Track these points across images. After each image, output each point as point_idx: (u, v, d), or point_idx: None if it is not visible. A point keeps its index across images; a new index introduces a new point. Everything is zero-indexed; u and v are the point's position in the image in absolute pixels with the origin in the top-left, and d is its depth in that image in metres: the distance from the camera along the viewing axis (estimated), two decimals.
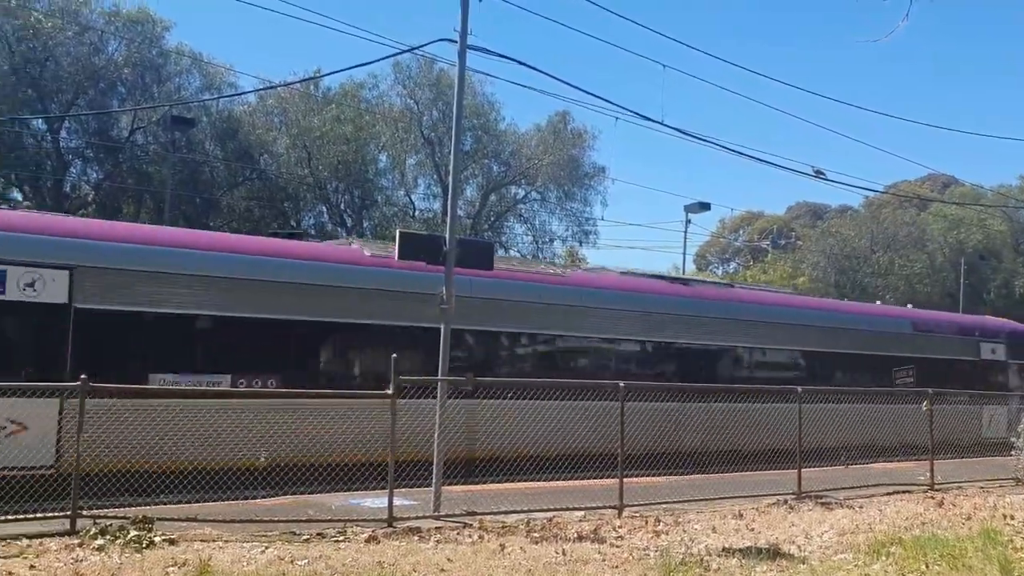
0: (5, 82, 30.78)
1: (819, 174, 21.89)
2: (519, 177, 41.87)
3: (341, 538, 9.17)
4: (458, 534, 9.64)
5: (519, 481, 12.72)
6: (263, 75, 62.79)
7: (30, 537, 8.38)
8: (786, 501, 12.79)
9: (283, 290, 13.31)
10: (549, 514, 10.76)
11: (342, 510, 10.57)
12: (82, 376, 9.23)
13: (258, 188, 37.25)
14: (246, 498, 10.84)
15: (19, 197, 33.10)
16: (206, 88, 34.84)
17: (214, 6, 65.78)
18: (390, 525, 9.86)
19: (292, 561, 7.93)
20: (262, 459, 11.84)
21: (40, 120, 32.25)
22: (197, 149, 34.48)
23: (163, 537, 8.51)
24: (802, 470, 13.47)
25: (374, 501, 10.78)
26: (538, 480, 13.01)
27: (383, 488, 10.40)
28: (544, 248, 43.32)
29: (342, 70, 50.50)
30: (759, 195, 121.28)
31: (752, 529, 10.57)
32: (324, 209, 40.23)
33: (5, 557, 7.71)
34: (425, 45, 13.63)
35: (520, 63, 12.82)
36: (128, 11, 32.77)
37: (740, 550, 8.99)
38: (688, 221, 37.17)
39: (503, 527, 10.04)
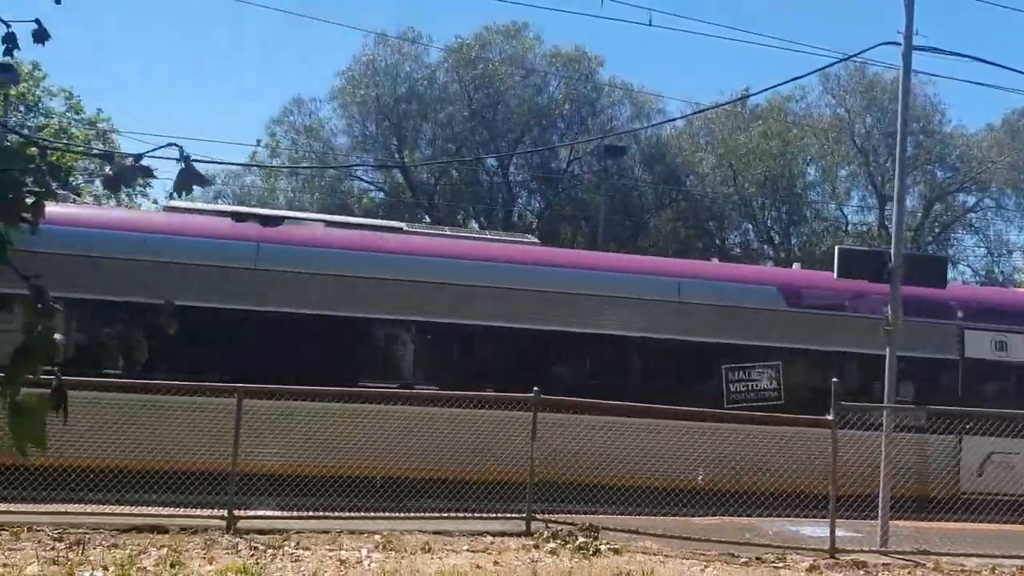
0: (464, 127, 34.85)
1: None
2: (968, 183, 37.89)
3: (780, 564, 8.94)
4: (909, 573, 8.91)
5: (979, 521, 11.44)
6: (690, 97, 64.09)
7: (493, 535, 9.29)
8: None
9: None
10: (1021, 562, 9.53)
11: (779, 536, 10.29)
12: (535, 388, 10.04)
13: (684, 209, 37.96)
14: (684, 515, 11.00)
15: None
16: (636, 116, 36.37)
17: (642, 37, 68.54)
18: (832, 556, 9.40)
19: None
20: (700, 479, 11.96)
21: (492, 158, 35.96)
22: (627, 175, 36.09)
23: (608, 546, 8.94)
24: None
25: (813, 529, 10.37)
26: (1003, 522, 11.59)
27: (820, 517, 9.98)
28: (1000, 261, 38.71)
29: (772, 87, 49.45)
30: None
31: None
32: (750, 227, 39.81)
33: (473, 551, 8.62)
34: (865, 51, 13.05)
35: (973, 59, 11.70)
36: (566, 51, 35.41)
37: None
38: None
39: (962, 571, 9.09)
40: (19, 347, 2.06)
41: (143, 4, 61.49)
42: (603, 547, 8.90)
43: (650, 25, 15.10)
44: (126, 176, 2.21)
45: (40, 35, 2.17)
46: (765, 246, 38.75)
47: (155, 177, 2.27)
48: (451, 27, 68.87)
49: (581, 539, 9.02)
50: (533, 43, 35.41)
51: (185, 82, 63.20)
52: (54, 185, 2.26)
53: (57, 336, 2.07)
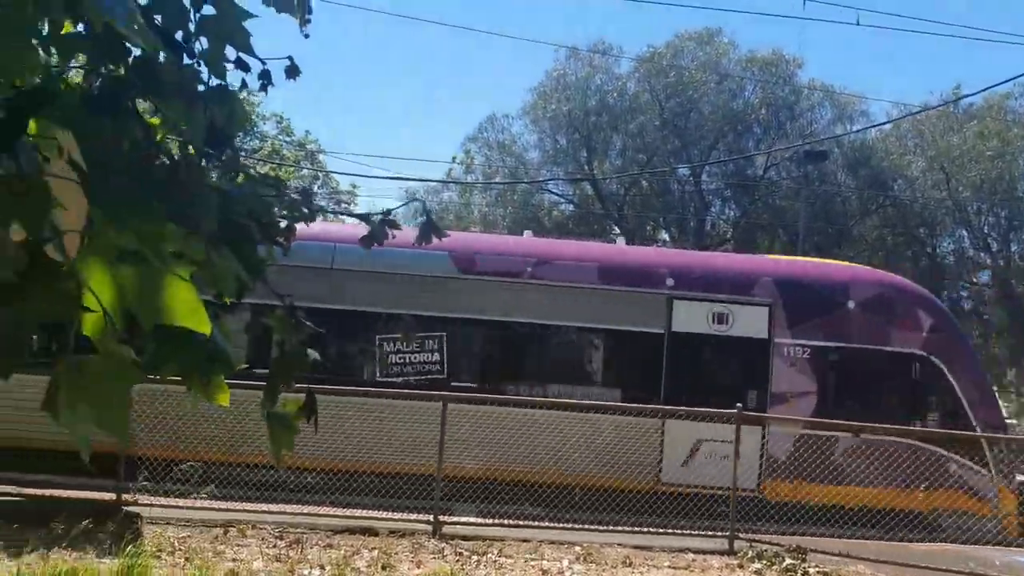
0: (655, 136, 34.54)
1: None
2: None
3: None
4: None
5: None
6: (897, 98, 60.72)
7: (694, 552, 9.11)
8: None
9: None
10: None
11: (1007, 567, 9.52)
12: (738, 404, 9.79)
13: (891, 215, 35.94)
14: (900, 539, 10.37)
15: (667, 238, 36.76)
16: (837, 119, 34.86)
17: (843, 37, 65.65)
18: None
19: None
20: (920, 498, 11.27)
21: (684, 167, 35.44)
22: (829, 180, 34.58)
23: (817, 569, 8.56)
24: None
25: None
26: None
27: None
28: None
29: (989, 88, 45.75)
30: None
31: None
32: (964, 233, 37.13)
33: (674, 568, 8.49)
34: None
35: None
36: (763, 55, 34.44)
37: None
38: None
39: None
40: (275, 361, 2.21)
41: (344, 28, 65.17)
42: (811, 570, 8.52)
43: (857, 24, 14.29)
44: (377, 234, 2.45)
45: (292, 71, 2.34)
46: (982, 254, 36.04)
47: (400, 229, 2.53)
48: (642, 37, 68.70)
49: (788, 561, 8.68)
50: (727, 48, 34.69)
51: (387, 102, 66.39)
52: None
53: (309, 351, 2.20)
